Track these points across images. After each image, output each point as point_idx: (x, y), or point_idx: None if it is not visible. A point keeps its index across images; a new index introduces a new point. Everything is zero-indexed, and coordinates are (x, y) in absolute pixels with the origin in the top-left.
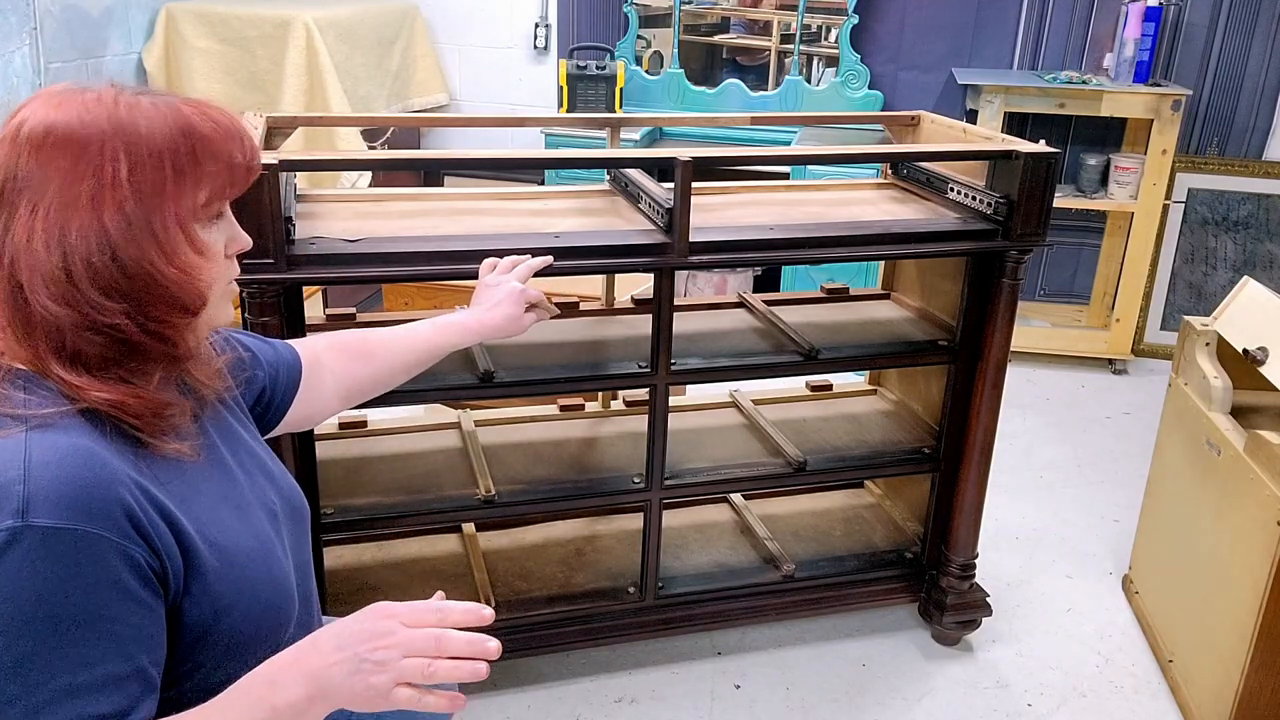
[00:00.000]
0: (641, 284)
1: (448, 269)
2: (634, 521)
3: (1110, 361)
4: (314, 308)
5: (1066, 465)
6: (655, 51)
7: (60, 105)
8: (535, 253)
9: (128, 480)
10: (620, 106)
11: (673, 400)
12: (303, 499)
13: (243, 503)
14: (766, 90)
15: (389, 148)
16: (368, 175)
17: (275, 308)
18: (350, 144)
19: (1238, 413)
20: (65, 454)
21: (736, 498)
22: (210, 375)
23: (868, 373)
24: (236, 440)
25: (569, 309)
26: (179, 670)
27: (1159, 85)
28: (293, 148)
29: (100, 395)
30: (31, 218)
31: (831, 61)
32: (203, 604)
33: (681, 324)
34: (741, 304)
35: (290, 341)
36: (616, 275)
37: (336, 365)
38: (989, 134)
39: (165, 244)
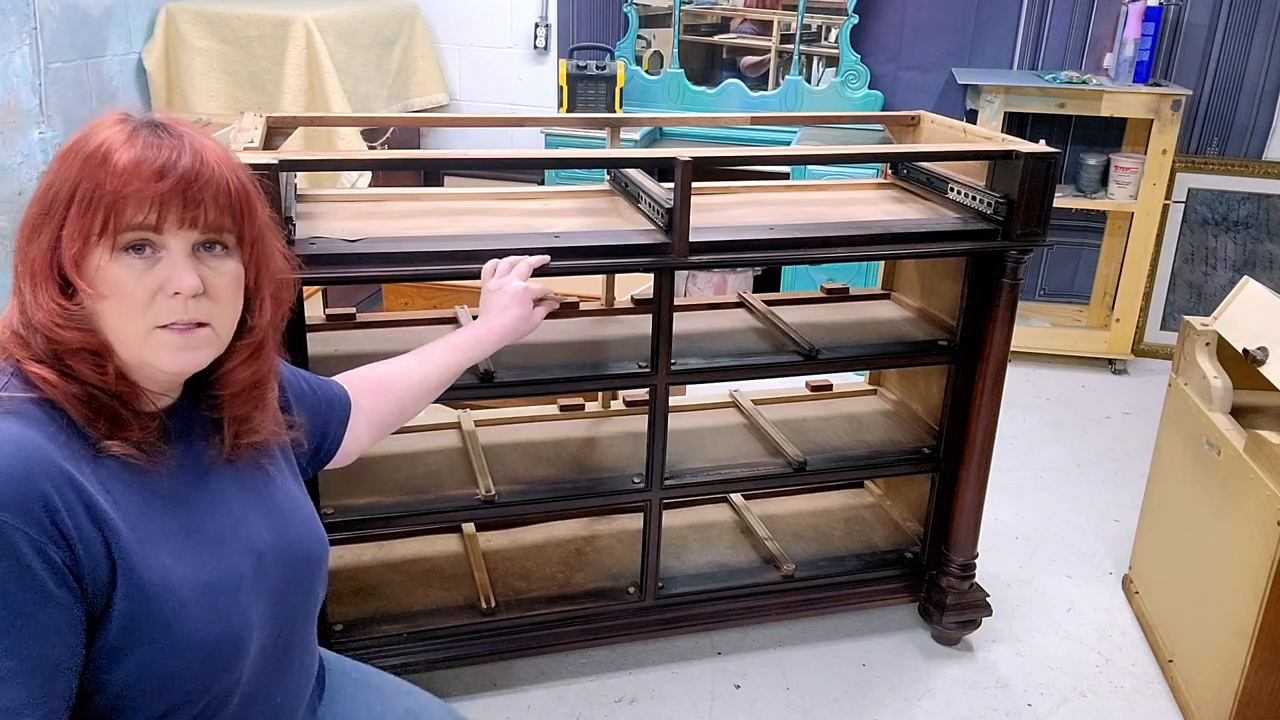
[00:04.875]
0: (641, 284)
1: (448, 269)
2: (634, 521)
3: (1110, 361)
4: (314, 308)
5: (1066, 465)
6: (655, 51)
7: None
8: (534, 253)
9: (59, 474)
10: (620, 106)
11: (673, 400)
12: (319, 546)
13: (212, 536)
14: (766, 90)
15: (389, 148)
16: (368, 175)
17: None
18: (350, 144)
19: (1238, 413)
20: None
21: (736, 498)
22: (272, 424)
23: (868, 373)
24: (246, 480)
25: (569, 309)
26: (96, 682)
27: (1159, 85)
28: (293, 148)
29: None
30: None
31: (831, 61)
32: (122, 621)
33: (681, 324)
34: (741, 304)
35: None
36: (616, 275)
37: (364, 403)
38: (989, 134)
39: (38, 279)
